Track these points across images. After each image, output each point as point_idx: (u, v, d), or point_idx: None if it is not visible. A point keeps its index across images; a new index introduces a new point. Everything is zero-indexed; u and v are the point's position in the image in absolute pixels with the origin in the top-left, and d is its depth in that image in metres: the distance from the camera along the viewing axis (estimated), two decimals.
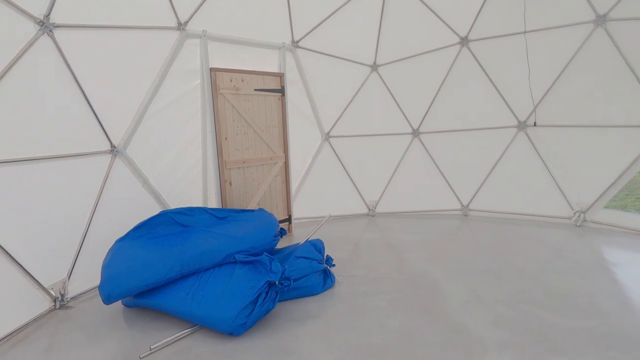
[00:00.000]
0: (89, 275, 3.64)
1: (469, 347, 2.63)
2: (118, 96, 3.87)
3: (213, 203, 4.73)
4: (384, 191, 6.37)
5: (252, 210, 4.05)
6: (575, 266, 3.96)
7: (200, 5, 4.41)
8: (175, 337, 2.86)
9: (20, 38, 2.99)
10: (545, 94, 5.40)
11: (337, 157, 6.19)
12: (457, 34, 5.72)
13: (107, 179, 3.77)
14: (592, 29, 4.93)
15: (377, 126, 6.24)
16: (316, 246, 3.77)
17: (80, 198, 3.59)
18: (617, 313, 3.00)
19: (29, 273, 3.12)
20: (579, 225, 5.32)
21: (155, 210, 4.14)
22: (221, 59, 4.68)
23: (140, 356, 2.64)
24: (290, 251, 3.73)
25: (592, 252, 4.37)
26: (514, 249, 4.55)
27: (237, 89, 4.74)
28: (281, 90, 5.29)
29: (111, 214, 3.78)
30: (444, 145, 6.13)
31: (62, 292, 3.44)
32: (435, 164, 6.20)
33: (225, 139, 4.68)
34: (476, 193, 6.08)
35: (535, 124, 5.51)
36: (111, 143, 3.81)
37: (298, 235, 5.34)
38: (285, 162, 5.46)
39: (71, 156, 3.45)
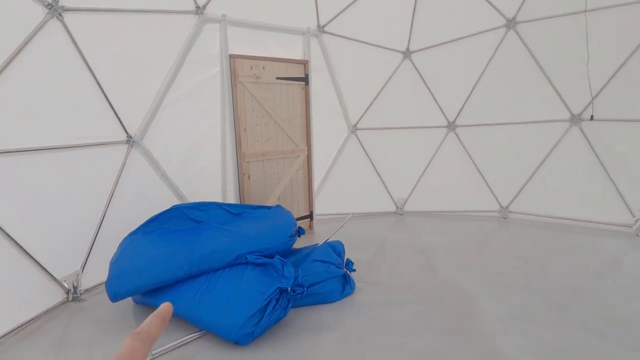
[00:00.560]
0: (103, 268, 3.50)
1: None
2: (133, 84, 3.74)
3: (231, 196, 4.55)
4: (413, 188, 5.94)
5: (269, 207, 3.81)
6: (637, 285, 3.41)
7: None
8: (179, 342, 2.69)
9: (28, 22, 2.87)
10: (607, 83, 4.70)
11: (365, 150, 5.84)
12: (503, 15, 5.12)
13: (122, 170, 3.68)
14: None
15: (408, 118, 5.79)
16: (335, 249, 3.48)
17: (95, 189, 3.53)
18: None
19: (41, 265, 3.10)
20: None
21: (172, 203, 4.01)
22: (241, 45, 4.43)
23: None
24: (307, 253, 3.46)
25: None
26: (562, 260, 4.02)
27: (257, 77, 4.49)
28: (305, 79, 4.97)
29: (127, 205, 3.70)
30: (482, 140, 5.59)
31: (75, 285, 3.41)
32: (472, 160, 5.68)
33: (245, 130, 4.46)
34: (518, 193, 5.51)
35: (592, 118, 4.85)
36: (127, 133, 3.71)
37: (319, 233, 5.08)
38: (307, 155, 5.17)
39: (86, 146, 3.39)
